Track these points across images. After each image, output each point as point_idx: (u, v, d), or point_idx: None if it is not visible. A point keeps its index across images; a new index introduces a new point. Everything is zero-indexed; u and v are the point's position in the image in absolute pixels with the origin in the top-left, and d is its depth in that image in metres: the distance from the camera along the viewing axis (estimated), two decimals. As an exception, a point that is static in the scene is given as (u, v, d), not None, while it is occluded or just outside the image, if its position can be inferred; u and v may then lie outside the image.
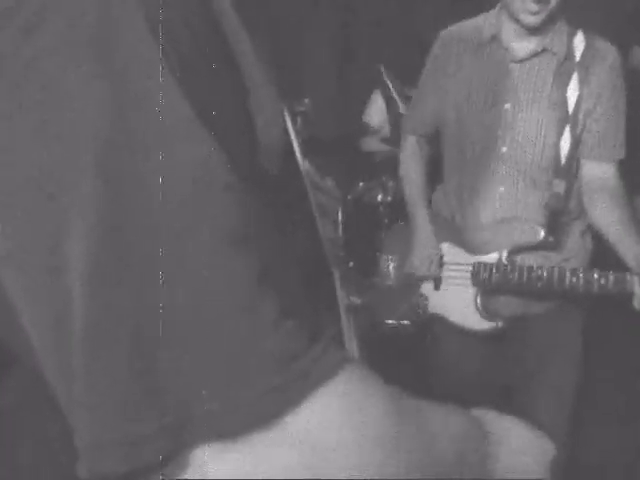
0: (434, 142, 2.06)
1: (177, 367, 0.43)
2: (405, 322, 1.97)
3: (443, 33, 1.95)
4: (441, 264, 1.94)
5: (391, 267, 2.06)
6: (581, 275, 1.70)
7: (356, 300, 0.76)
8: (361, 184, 2.88)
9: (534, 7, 1.68)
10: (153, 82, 0.43)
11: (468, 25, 1.92)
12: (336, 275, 0.69)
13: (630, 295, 1.64)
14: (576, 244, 1.89)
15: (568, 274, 1.71)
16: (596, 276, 1.68)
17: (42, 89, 0.43)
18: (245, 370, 0.43)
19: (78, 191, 0.42)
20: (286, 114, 0.63)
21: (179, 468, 0.43)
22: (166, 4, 0.45)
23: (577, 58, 1.77)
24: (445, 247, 1.95)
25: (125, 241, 0.42)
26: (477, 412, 0.64)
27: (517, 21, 1.75)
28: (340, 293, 0.69)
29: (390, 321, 1.99)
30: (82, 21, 0.43)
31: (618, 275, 1.66)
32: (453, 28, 1.94)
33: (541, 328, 1.90)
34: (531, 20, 1.71)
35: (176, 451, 0.43)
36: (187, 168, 0.44)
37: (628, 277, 1.65)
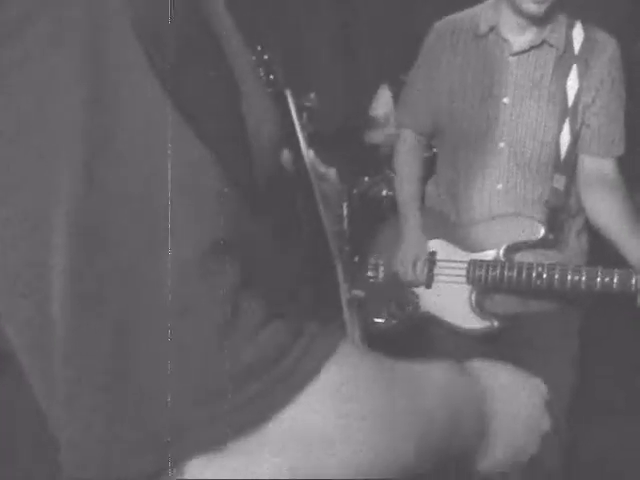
0: (432, 137, 2.01)
1: (157, 381, 0.42)
2: (393, 321, 1.92)
3: (437, 24, 1.90)
4: (433, 261, 1.89)
5: (380, 265, 2.00)
6: (584, 273, 1.65)
7: (359, 293, 0.75)
8: (366, 179, 2.85)
9: None
10: (139, 87, 0.43)
11: (463, 16, 1.86)
12: (339, 268, 0.69)
13: (634, 294, 1.60)
14: (574, 243, 1.84)
15: (570, 272, 1.66)
16: (600, 274, 1.63)
17: (28, 92, 0.42)
18: (223, 382, 0.43)
19: (62, 194, 0.41)
20: (291, 105, 0.64)
21: None
22: (153, 7, 0.45)
23: (576, 51, 1.73)
24: (438, 244, 1.89)
25: (106, 249, 0.42)
26: (468, 364, 0.65)
27: (519, 11, 1.70)
28: (343, 287, 0.69)
29: (379, 320, 1.94)
30: (69, 24, 0.43)
31: (622, 273, 1.61)
32: (448, 19, 1.89)
33: (537, 328, 1.85)
34: (535, 9, 1.66)
35: (161, 463, 0.42)
36: (174, 174, 0.43)
37: (633, 275, 1.60)
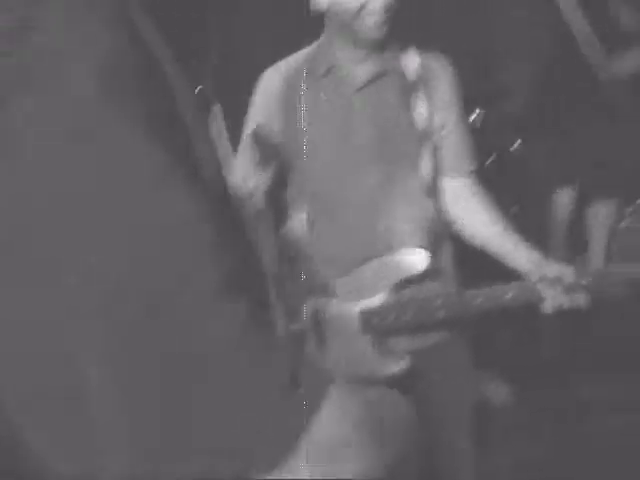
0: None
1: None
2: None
3: (269, 71, 1.81)
4: (318, 320, 1.76)
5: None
6: (484, 293, 1.60)
7: (298, 327, 0.69)
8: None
9: (381, 17, 1.60)
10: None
11: (295, 60, 1.80)
12: (279, 306, 0.69)
13: (537, 302, 1.57)
14: (450, 268, 1.81)
15: (472, 296, 1.61)
16: (500, 291, 1.59)
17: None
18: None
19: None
20: (218, 120, 0.58)
21: None
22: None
23: (416, 76, 1.72)
24: (322, 302, 1.76)
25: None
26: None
27: (357, 42, 1.67)
28: (281, 322, 0.70)
29: None
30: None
31: (522, 284, 1.60)
32: (280, 64, 1.81)
33: (433, 360, 1.77)
34: (375, 34, 1.63)
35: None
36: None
37: (532, 283, 1.58)
